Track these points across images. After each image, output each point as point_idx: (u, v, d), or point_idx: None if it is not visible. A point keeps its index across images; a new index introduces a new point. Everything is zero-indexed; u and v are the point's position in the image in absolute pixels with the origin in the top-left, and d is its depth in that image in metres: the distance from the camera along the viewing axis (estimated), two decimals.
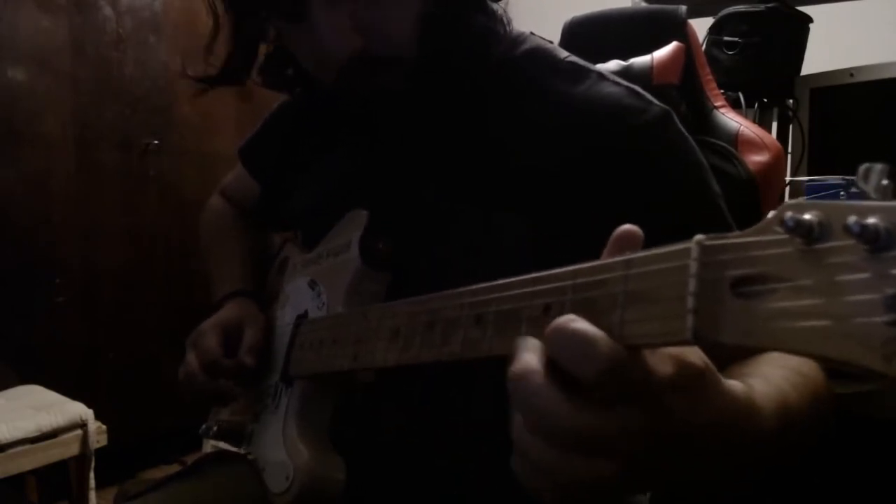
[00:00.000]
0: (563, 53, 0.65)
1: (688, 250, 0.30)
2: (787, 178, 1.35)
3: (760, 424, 0.37)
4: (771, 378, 0.44)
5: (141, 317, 2.32)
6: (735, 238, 0.28)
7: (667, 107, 0.60)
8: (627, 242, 0.35)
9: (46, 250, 2.09)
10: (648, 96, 0.60)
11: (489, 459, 0.57)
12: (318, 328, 0.65)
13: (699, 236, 0.30)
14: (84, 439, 1.72)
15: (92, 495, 1.77)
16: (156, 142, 2.31)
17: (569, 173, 0.58)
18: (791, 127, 1.49)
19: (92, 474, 1.76)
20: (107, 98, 2.20)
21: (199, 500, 0.75)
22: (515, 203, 0.59)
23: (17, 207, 2.02)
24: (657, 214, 0.55)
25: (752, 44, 1.40)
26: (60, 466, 1.72)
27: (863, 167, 0.25)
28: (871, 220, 0.23)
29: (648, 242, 0.33)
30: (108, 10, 2.18)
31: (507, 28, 0.65)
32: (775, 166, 0.93)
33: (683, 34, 0.97)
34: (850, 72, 1.41)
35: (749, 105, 1.45)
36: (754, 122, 1.25)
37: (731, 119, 0.98)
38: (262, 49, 0.70)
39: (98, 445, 1.76)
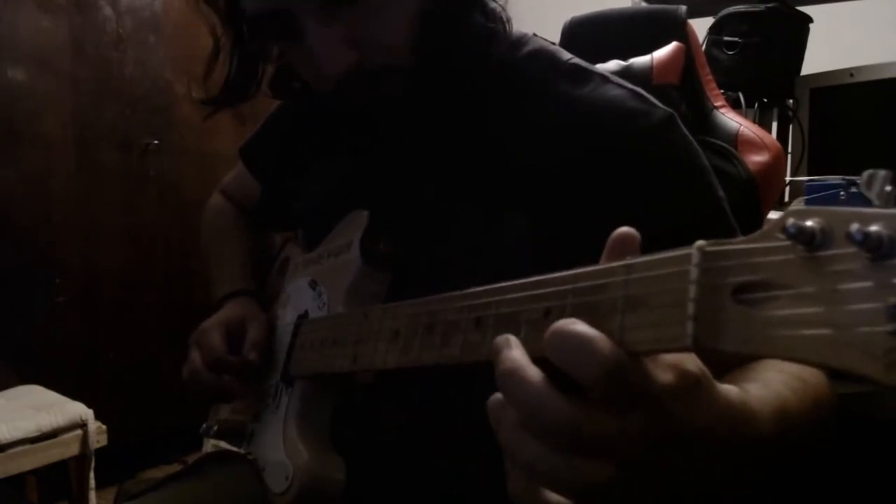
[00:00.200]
0: (567, 55, 0.65)
1: (689, 256, 0.29)
2: (787, 178, 1.35)
3: (757, 428, 0.37)
4: (770, 383, 0.44)
5: (141, 317, 2.32)
6: (737, 244, 0.28)
7: (671, 110, 0.60)
8: (625, 245, 0.35)
9: (46, 250, 2.09)
10: (652, 99, 0.60)
11: (489, 459, 0.57)
12: (319, 328, 0.65)
13: (700, 242, 0.30)
14: (84, 439, 1.72)
15: (92, 495, 1.77)
16: (156, 142, 2.31)
17: (570, 174, 0.58)
18: (791, 127, 1.49)
19: (92, 474, 1.76)
20: (107, 98, 2.20)
21: (199, 500, 0.75)
22: (516, 203, 0.59)
23: (17, 207, 2.02)
24: (660, 218, 0.55)
25: (752, 44, 1.40)
26: (60, 466, 1.72)
27: (866, 173, 0.25)
28: (874, 228, 0.23)
29: (651, 246, 0.33)
30: (108, 10, 2.18)
31: (508, 27, 0.65)
32: (775, 166, 0.93)
33: (683, 34, 0.97)
34: (850, 72, 1.41)
35: (749, 105, 1.45)
36: (754, 122, 1.25)
37: (731, 119, 0.98)
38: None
39: (98, 445, 1.76)
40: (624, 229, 0.36)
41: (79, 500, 1.76)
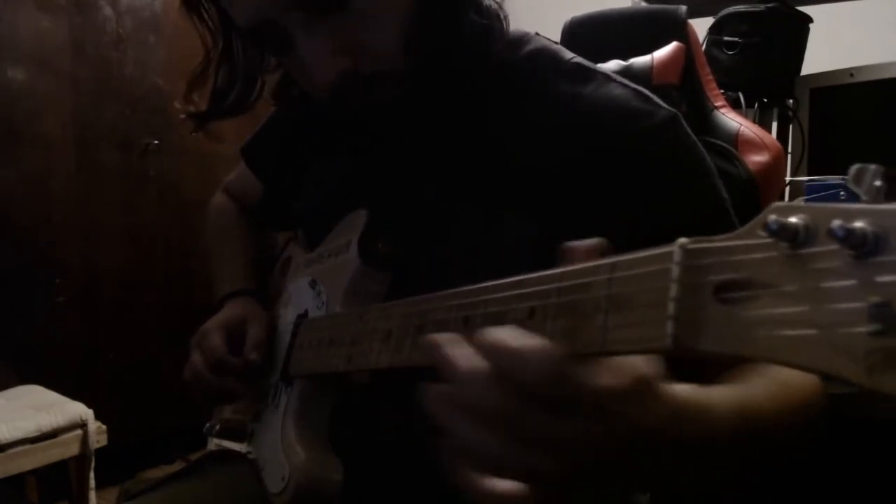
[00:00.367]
0: (569, 55, 0.65)
1: (670, 254, 0.29)
2: (787, 178, 1.35)
3: (714, 428, 0.37)
4: (739, 386, 0.44)
5: (141, 317, 2.32)
6: (719, 242, 0.27)
7: (674, 110, 0.59)
8: (575, 257, 0.36)
9: (46, 250, 2.09)
10: (656, 99, 0.60)
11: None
12: (317, 328, 0.65)
13: (682, 239, 0.29)
14: (84, 439, 1.72)
15: (92, 495, 1.77)
16: (156, 142, 2.31)
17: (572, 174, 0.58)
18: (791, 127, 1.49)
19: (92, 474, 1.76)
20: (107, 98, 2.20)
21: (200, 500, 0.75)
22: (517, 203, 0.59)
23: (17, 207, 2.02)
24: (661, 218, 0.55)
25: (752, 44, 1.40)
26: (60, 466, 1.71)
27: (854, 168, 0.24)
28: (858, 224, 0.22)
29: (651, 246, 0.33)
30: (108, 10, 2.18)
31: (505, 24, 0.65)
32: (775, 166, 0.93)
33: (683, 34, 0.97)
34: (850, 72, 1.41)
35: (749, 105, 1.45)
36: (754, 122, 1.25)
37: (731, 119, 0.98)
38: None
39: (98, 445, 1.76)
40: (571, 243, 0.37)
41: (79, 500, 1.76)
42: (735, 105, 1.32)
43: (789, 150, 1.46)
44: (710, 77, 1.02)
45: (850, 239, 0.22)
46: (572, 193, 0.58)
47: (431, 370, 0.45)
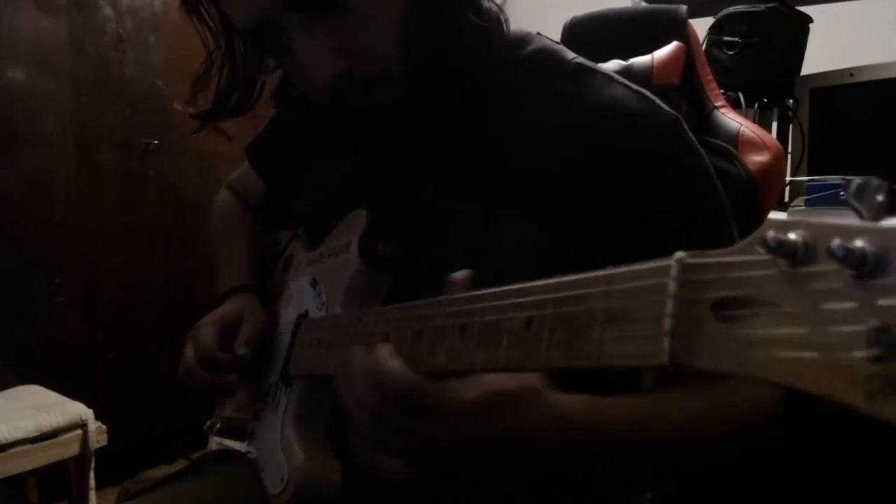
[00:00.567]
0: (570, 55, 0.64)
1: (667, 268, 0.28)
2: (787, 178, 1.35)
3: (572, 430, 0.45)
4: (642, 398, 0.51)
5: (141, 317, 2.32)
6: (716, 257, 0.27)
7: (676, 113, 0.59)
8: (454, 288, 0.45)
9: (46, 250, 2.09)
10: (658, 101, 0.60)
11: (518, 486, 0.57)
12: (317, 329, 0.65)
13: (679, 253, 0.28)
14: (84, 439, 1.72)
15: (92, 495, 1.77)
16: (156, 142, 2.31)
17: (573, 174, 0.58)
18: (791, 127, 1.49)
19: (92, 474, 1.76)
20: (107, 98, 2.20)
21: (199, 500, 0.75)
22: (517, 203, 0.59)
23: (17, 207, 2.02)
24: (661, 220, 0.55)
25: (752, 44, 1.41)
26: (60, 466, 1.71)
27: (856, 183, 0.23)
28: (858, 244, 0.21)
29: (650, 250, 0.32)
30: (108, 10, 2.18)
31: (505, 25, 0.65)
32: (775, 166, 0.93)
33: (683, 34, 0.97)
34: (850, 72, 1.41)
35: (749, 105, 1.45)
36: (754, 122, 1.25)
37: (731, 119, 0.97)
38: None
39: (98, 445, 1.76)
40: (458, 274, 0.46)
41: (79, 500, 1.76)
42: (735, 105, 1.32)
43: (789, 150, 1.46)
44: (710, 77, 1.02)
45: (849, 259, 0.21)
46: (573, 193, 0.58)
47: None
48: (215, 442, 0.78)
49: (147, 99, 2.28)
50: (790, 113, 1.49)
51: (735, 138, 0.95)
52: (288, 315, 0.74)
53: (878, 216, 0.22)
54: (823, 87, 1.46)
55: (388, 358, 0.44)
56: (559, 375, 0.44)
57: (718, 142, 0.93)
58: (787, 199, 1.37)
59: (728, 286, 0.26)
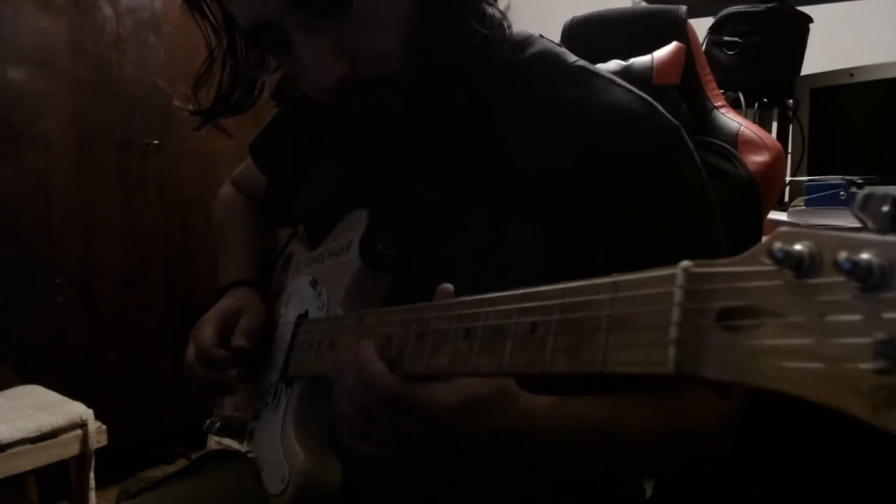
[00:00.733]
0: (572, 58, 0.64)
1: (673, 276, 0.28)
2: (788, 178, 1.35)
3: (543, 430, 0.49)
4: (606, 401, 0.53)
5: (141, 317, 2.31)
6: (723, 267, 0.27)
7: (677, 122, 0.60)
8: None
9: (46, 250, 2.09)
10: (660, 107, 0.60)
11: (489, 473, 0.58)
12: (317, 329, 0.65)
13: (685, 262, 0.28)
14: (84, 439, 1.72)
15: (92, 495, 1.77)
16: (156, 142, 2.31)
17: (574, 176, 0.58)
18: (791, 127, 1.49)
19: (92, 474, 1.76)
20: (107, 98, 2.19)
21: (200, 499, 0.75)
22: (519, 204, 0.59)
23: (17, 207, 2.02)
24: (654, 226, 0.56)
25: (752, 44, 1.40)
26: (60, 466, 1.71)
27: (861, 194, 0.23)
28: (864, 257, 0.22)
29: (645, 255, 0.32)
30: (108, 10, 2.18)
31: (508, 31, 0.65)
32: (775, 166, 0.93)
33: (683, 34, 0.97)
34: (850, 72, 1.41)
35: (749, 105, 1.45)
36: (754, 122, 1.25)
37: (731, 119, 0.97)
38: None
39: (98, 445, 1.75)
40: (444, 286, 0.48)
41: (79, 500, 1.76)
42: (735, 105, 1.32)
43: (789, 150, 1.46)
44: (710, 77, 1.02)
45: (856, 272, 0.22)
46: (574, 195, 0.58)
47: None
48: (214, 441, 0.78)
49: (147, 99, 2.28)
50: (790, 113, 1.49)
51: (735, 138, 0.94)
52: (288, 315, 0.74)
53: (883, 228, 0.22)
54: (823, 87, 1.46)
55: (372, 360, 0.48)
56: (529, 378, 0.47)
57: (718, 142, 0.93)
58: (787, 199, 1.37)
59: (734, 296, 0.26)
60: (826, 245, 0.23)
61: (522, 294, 0.38)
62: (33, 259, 2.06)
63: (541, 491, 0.62)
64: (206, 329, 0.73)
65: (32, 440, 1.62)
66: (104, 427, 1.78)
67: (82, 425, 1.72)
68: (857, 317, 0.22)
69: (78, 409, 1.72)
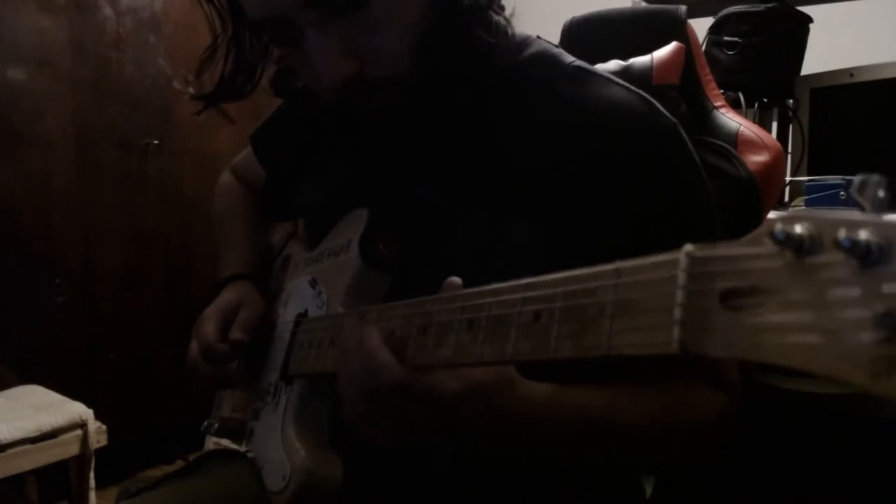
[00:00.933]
0: (569, 58, 0.65)
1: (676, 261, 0.29)
2: (787, 178, 1.35)
3: (542, 416, 0.50)
4: (588, 391, 0.54)
5: (141, 317, 2.32)
6: (724, 250, 0.28)
7: (675, 120, 0.60)
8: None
9: (46, 250, 2.09)
10: (658, 105, 0.60)
11: (486, 459, 0.58)
12: (317, 328, 0.65)
13: (688, 246, 0.29)
14: (84, 439, 1.72)
15: (92, 495, 1.77)
16: (156, 142, 2.31)
17: (573, 175, 0.58)
18: (791, 127, 1.49)
19: (92, 474, 1.76)
20: (106, 98, 2.20)
21: (199, 498, 0.75)
22: (518, 204, 0.59)
23: (17, 207, 2.02)
24: (654, 224, 0.56)
25: (752, 44, 1.40)
26: (60, 466, 1.71)
27: (858, 179, 0.24)
28: (863, 235, 0.23)
29: (644, 253, 0.33)
30: (108, 10, 2.18)
31: (511, 36, 0.65)
32: (775, 166, 0.93)
33: (683, 34, 0.97)
34: (850, 72, 1.41)
35: (749, 105, 1.45)
36: (754, 122, 1.25)
37: (731, 119, 0.97)
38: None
39: (98, 445, 1.76)
40: (452, 279, 0.48)
41: (79, 500, 1.76)
42: (735, 105, 1.32)
43: (789, 150, 1.46)
44: (710, 77, 1.02)
45: (855, 249, 0.23)
46: (573, 194, 0.58)
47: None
48: (212, 442, 0.78)
49: (147, 99, 2.28)
50: (790, 113, 1.48)
51: (735, 138, 0.95)
52: (287, 315, 0.74)
53: (879, 210, 0.23)
54: (823, 87, 1.45)
55: (378, 348, 0.48)
56: (531, 366, 0.48)
57: (718, 142, 0.93)
58: (786, 199, 1.37)
59: (736, 276, 0.27)
60: (826, 225, 0.24)
61: (526, 284, 0.38)
62: (33, 259, 2.06)
63: (541, 489, 0.62)
64: (208, 324, 0.73)
65: (32, 440, 1.62)
66: (104, 427, 1.78)
67: (82, 425, 1.72)
68: (856, 292, 0.23)
69: (78, 409, 1.73)
